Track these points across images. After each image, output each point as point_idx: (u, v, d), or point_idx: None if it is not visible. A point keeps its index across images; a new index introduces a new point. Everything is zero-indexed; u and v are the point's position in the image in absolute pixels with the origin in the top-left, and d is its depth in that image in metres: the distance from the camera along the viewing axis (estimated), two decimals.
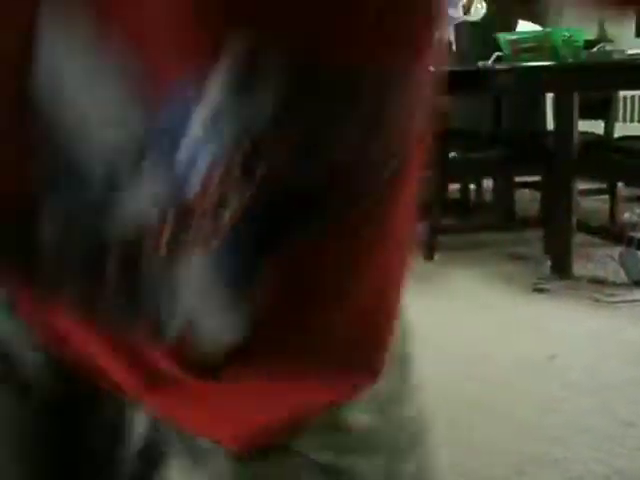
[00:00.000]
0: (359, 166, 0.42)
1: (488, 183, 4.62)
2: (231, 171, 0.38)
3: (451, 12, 6.01)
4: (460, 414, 1.84)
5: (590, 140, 3.58)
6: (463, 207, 4.47)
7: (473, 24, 5.84)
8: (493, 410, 1.86)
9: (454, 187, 4.29)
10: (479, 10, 5.81)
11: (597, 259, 3.10)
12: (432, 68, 0.46)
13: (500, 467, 1.58)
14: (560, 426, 1.76)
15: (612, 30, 5.21)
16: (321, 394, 0.50)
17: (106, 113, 0.38)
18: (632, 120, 4.91)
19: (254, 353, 0.45)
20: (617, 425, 1.75)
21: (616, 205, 3.88)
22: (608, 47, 3.60)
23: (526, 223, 4.01)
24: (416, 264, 3.36)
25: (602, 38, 4.68)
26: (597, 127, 4.18)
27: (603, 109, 4.19)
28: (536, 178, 4.02)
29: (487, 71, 3.53)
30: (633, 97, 4.90)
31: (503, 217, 4.19)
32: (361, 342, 0.52)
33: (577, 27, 3.63)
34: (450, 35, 5.76)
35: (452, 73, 3.82)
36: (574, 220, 2.99)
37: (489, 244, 3.65)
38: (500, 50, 3.63)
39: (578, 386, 1.98)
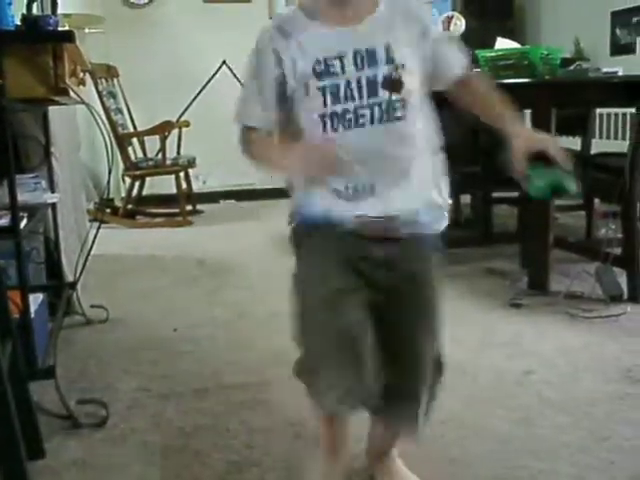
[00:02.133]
0: None
1: (466, 198, 4.64)
2: None
3: None
4: (436, 428, 1.83)
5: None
6: None
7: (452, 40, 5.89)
8: (469, 425, 1.85)
9: None
10: (458, 27, 5.86)
11: (574, 275, 3.11)
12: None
13: None
14: (536, 441, 1.76)
15: (588, 49, 5.28)
16: None
17: None
18: (608, 137, 4.96)
19: None
20: (592, 440, 1.75)
21: (593, 221, 3.91)
22: (584, 65, 3.64)
23: (503, 238, 4.02)
24: None
25: (578, 56, 4.74)
26: (574, 144, 4.22)
27: (580, 126, 4.23)
28: (513, 194, 4.04)
29: None
30: (609, 114, 4.96)
31: (480, 232, 4.20)
32: None
33: (554, 45, 3.67)
34: None
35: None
36: (551, 236, 3.00)
37: (466, 259, 3.66)
38: (479, 66, 3.65)
39: (554, 401, 1.98)
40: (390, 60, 1.29)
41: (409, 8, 1.36)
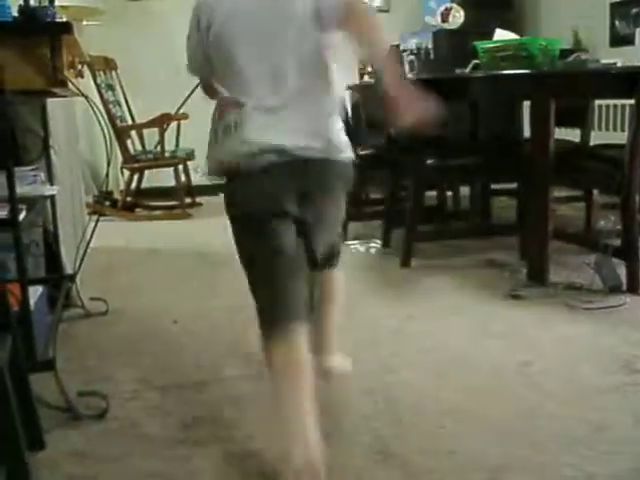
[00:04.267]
0: None
1: (465, 190, 4.64)
2: None
3: (429, 20, 6.04)
4: (435, 420, 1.84)
5: (566, 148, 3.60)
6: (440, 214, 4.49)
7: (451, 32, 5.89)
8: (469, 417, 1.85)
9: (431, 194, 4.29)
10: (457, 18, 5.85)
11: (573, 266, 3.12)
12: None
13: (476, 473, 1.57)
14: (534, 431, 1.76)
15: (587, 40, 5.28)
16: None
17: None
18: (607, 128, 4.95)
19: None
20: (590, 430, 1.75)
21: (592, 213, 3.91)
22: (583, 56, 3.63)
23: (502, 230, 4.02)
24: (393, 270, 3.37)
25: (577, 48, 4.73)
26: (573, 135, 4.22)
27: (579, 118, 4.22)
28: (512, 185, 4.04)
29: (464, 79, 3.54)
30: (608, 106, 4.95)
31: (480, 224, 4.21)
32: None
33: (553, 37, 3.66)
34: (428, 43, 5.80)
35: (430, 81, 3.85)
36: (550, 227, 3.00)
37: (465, 251, 3.66)
38: (477, 58, 3.65)
39: (552, 392, 1.98)
40: None
41: None
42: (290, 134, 1.61)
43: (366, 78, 4.76)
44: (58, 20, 2.00)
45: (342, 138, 1.70)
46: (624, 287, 2.84)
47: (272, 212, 1.63)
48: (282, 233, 1.64)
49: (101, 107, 4.71)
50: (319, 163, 1.64)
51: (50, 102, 2.68)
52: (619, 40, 5.25)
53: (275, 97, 1.63)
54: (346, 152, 1.70)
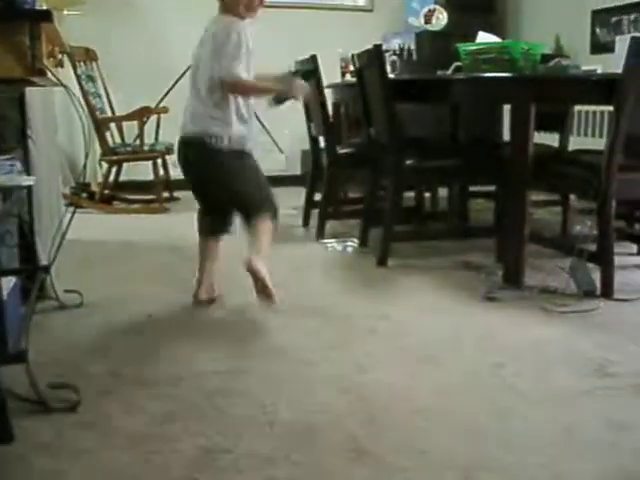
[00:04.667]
0: None
1: (443, 192, 4.66)
2: None
3: (412, 21, 6.06)
4: (409, 419, 1.84)
5: (545, 152, 3.63)
6: (418, 215, 4.50)
7: (434, 34, 5.91)
8: (441, 416, 1.86)
9: (409, 195, 4.31)
10: (440, 20, 5.87)
11: (548, 270, 3.14)
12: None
13: (448, 472, 1.58)
14: (506, 432, 1.77)
15: (568, 47, 5.32)
16: None
17: None
18: (586, 134, 4.99)
19: None
20: (562, 431, 1.77)
21: (568, 217, 3.94)
22: (564, 62, 3.65)
23: (479, 232, 4.04)
24: (369, 270, 3.37)
25: (559, 53, 4.77)
26: (552, 140, 4.25)
27: (558, 123, 4.26)
28: (490, 188, 4.06)
29: (446, 80, 3.55)
30: (587, 112, 4.99)
31: (457, 226, 4.23)
32: None
33: (535, 41, 3.68)
34: (411, 44, 5.81)
35: (411, 81, 3.86)
36: (527, 231, 3.02)
37: (442, 252, 3.68)
38: (459, 60, 3.66)
39: (526, 394, 1.99)
40: None
41: None
42: (191, 123, 2.73)
43: (347, 77, 4.76)
44: (38, 8, 1.98)
45: (214, 131, 2.67)
46: (598, 292, 2.87)
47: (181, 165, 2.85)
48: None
49: (81, 98, 4.67)
50: (196, 141, 2.71)
51: (28, 91, 2.65)
52: (599, 47, 5.29)
53: (194, 102, 2.75)
54: (212, 140, 2.67)
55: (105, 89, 5.33)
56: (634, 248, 3.64)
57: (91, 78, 5.20)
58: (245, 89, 2.71)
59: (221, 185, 2.75)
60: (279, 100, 2.87)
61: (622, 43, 3.08)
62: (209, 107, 2.67)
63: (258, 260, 2.62)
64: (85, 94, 4.91)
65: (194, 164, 2.75)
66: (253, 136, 2.85)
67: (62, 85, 2.20)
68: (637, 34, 4.27)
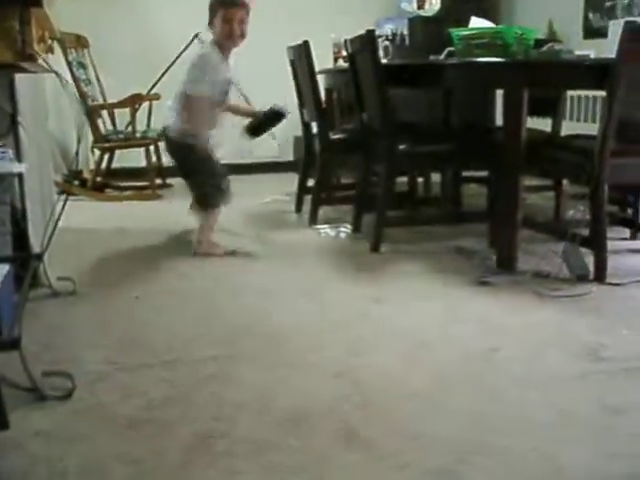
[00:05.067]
0: None
1: (436, 177, 4.66)
2: None
3: (405, 6, 6.04)
4: (402, 404, 1.85)
5: (538, 137, 3.62)
6: (411, 200, 4.50)
7: (427, 19, 5.89)
8: (435, 400, 1.87)
9: (402, 180, 4.31)
10: (433, 5, 5.85)
11: (541, 254, 3.14)
12: None
13: (441, 456, 1.59)
14: (501, 416, 1.78)
15: (561, 32, 5.31)
16: None
17: None
18: (579, 119, 4.99)
19: None
20: (555, 415, 1.78)
21: (561, 202, 3.94)
22: (557, 47, 3.65)
23: (472, 217, 4.05)
24: (363, 255, 3.37)
25: (552, 38, 4.76)
26: (545, 125, 4.25)
27: (551, 108, 4.26)
28: (483, 173, 4.07)
29: (438, 65, 3.55)
30: (580, 97, 4.99)
31: (450, 211, 4.23)
32: None
33: (528, 26, 3.68)
34: (404, 29, 5.79)
35: (404, 67, 3.85)
36: (519, 216, 3.02)
37: (435, 237, 3.68)
38: (452, 45, 3.66)
39: (519, 378, 2.00)
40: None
41: None
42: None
43: (340, 62, 4.75)
44: None
45: (177, 127, 3.37)
46: (591, 276, 2.88)
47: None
48: None
49: (72, 85, 4.65)
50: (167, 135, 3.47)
51: (18, 78, 2.63)
52: (592, 32, 5.28)
53: (173, 104, 3.41)
54: (176, 135, 3.40)
55: (97, 76, 5.30)
56: (627, 232, 3.65)
57: (82, 65, 5.16)
58: (198, 107, 3.30)
59: (182, 172, 3.52)
60: (254, 132, 3.42)
61: (615, 28, 3.08)
62: (179, 111, 3.37)
63: (200, 249, 3.37)
64: (76, 81, 4.88)
65: (170, 153, 3.55)
66: (216, 136, 3.48)
67: (53, 71, 2.19)
68: (630, 19, 4.26)
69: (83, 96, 4.91)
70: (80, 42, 5.18)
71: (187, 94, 3.30)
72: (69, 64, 4.86)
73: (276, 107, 3.44)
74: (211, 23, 3.42)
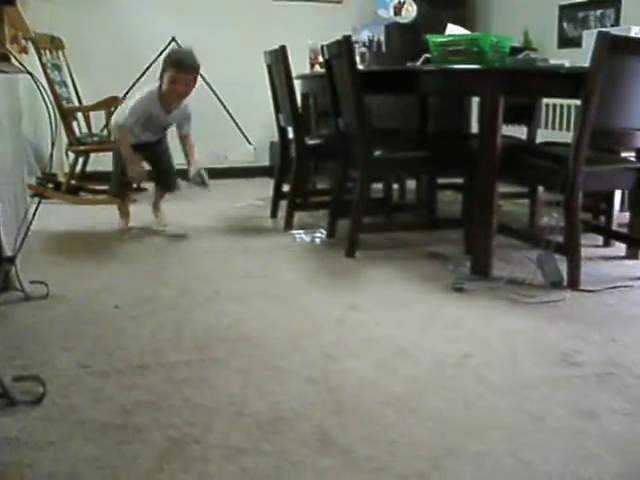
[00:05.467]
0: None
1: (411, 183, 4.68)
2: None
3: (382, 13, 6.06)
4: (377, 409, 1.85)
5: (513, 145, 3.65)
6: (386, 206, 4.51)
7: (404, 26, 5.91)
8: (409, 406, 1.87)
9: (377, 186, 4.32)
10: (410, 12, 5.88)
11: (516, 261, 3.17)
12: None
13: (416, 461, 1.59)
14: (475, 422, 1.78)
15: (536, 40, 5.36)
16: None
17: None
18: (554, 127, 5.04)
19: None
20: (529, 420, 1.79)
21: (536, 209, 3.97)
22: (532, 55, 3.68)
23: (447, 224, 4.07)
24: (337, 261, 3.37)
25: (527, 46, 4.80)
26: (520, 132, 4.29)
27: (527, 116, 4.29)
28: (459, 181, 4.08)
29: (415, 72, 3.56)
30: (555, 105, 5.03)
31: (425, 217, 4.24)
32: None
33: (504, 34, 3.70)
34: (381, 35, 5.81)
35: (380, 73, 3.86)
36: (494, 222, 3.04)
37: (410, 243, 3.69)
38: (429, 52, 3.67)
39: (493, 383, 2.01)
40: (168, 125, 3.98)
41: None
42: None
43: (317, 68, 4.75)
44: None
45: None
46: (565, 283, 2.90)
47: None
48: None
49: (47, 87, 4.60)
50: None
51: None
52: (567, 42, 5.34)
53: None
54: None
55: (72, 78, 5.25)
56: (600, 240, 3.69)
57: (57, 67, 5.12)
58: (120, 140, 3.84)
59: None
60: (197, 182, 3.76)
61: (589, 38, 3.11)
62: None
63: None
64: (51, 83, 4.83)
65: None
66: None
67: (27, 72, 2.17)
68: (603, 29, 4.30)
69: (58, 98, 4.87)
70: (55, 44, 5.13)
71: (115, 120, 3.91)
72: (43, 66, 4.81)
73: (197, 180, 3.78)
74: (161, 76, 3.74)
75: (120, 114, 3.85)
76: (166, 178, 4.13)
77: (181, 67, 3.67)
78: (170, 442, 1.66)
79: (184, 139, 3.94)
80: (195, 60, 3.73)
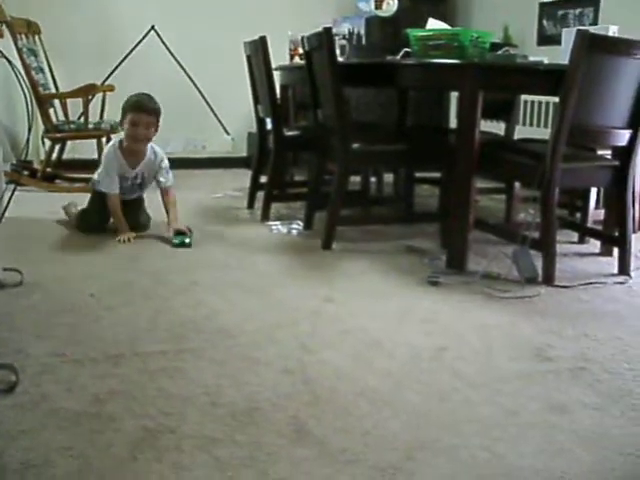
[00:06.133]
0: None
1: (389, 177, 4.69)
2: None
3: (363, 6, 6.05)
4: (352, 401, 1.85)
5: (491, 140, 3.67)
6: (363, 199, 4.52)
7: (384, 19, 5.92)
8: (384, 398, 1.87)
9: (355, 179, 4.32)
10: (391, 6, 5.88)
11: (491, 256, 3.18)
12: None
13: (390, 453, 1.59)
14: (449, 415, 1.79)
15: (516, 37, 5.39)
16: None
17: None
18: (532, 124, 5.07)
19: None
20: (502, 414, 1.80)
21: (512, 205, 4.00)
22: (512, 51, 3.69)
23: (424, 218, 4.08)
24: (314, 253, 3.37)
25: (507, 42, 4.83)
26: (499, 128, 4.31)
27: (505, 112, 4.31)
28: (436, 174, 4.10)
29: (395, 65, 3.56)
30: (533, 102, 5.06)
31: (402, 211, 4.25)
32: None
33: (484, 30, 3.71)
34: (361, 28, 5.81)
35: (360, 66, 3.86)
36: (471, 217, 3.05)
37: (387, 237, 3.70)
38: (409, 46, 3.67)
39: (467, 377, 2.02)
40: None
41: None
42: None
43: (296, 59, 4.74)
44: None
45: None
46: (540, 278, 2.93)
47: None
48: None
49: (22, 72, 4.55)
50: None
51: None
52: (546, 39, 5.38)
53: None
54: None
55: (49, 64, 5.20)
56: (575, 236, 3.72)
57: (33, 52, 5.06)
58: (110, 206, 3.66)
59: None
60: (175, 245, 3.42)
61: (568, 35, 3.13)
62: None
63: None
64: (27, 68, 4.78)
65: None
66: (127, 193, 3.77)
67: (3, 56, 2.14)
68: (582, 27, 4.34)
69: (34, 84, 4.81)
70: (31, 28, 5.06)
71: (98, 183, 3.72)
72: (19, 50, 4.76)
73: (175, 243, 3.44)
74: (121, 124, 3.70)
75: (100, 174, 3.70)
76: (134, 224, 3.73)
77: (141, 108, 3.58)
78: (144, 431, 1.65)
79: (163, 195, 3.75)
80: (155, 103, 3.65)
